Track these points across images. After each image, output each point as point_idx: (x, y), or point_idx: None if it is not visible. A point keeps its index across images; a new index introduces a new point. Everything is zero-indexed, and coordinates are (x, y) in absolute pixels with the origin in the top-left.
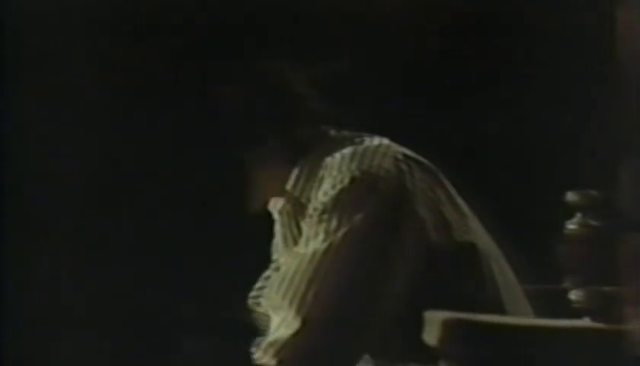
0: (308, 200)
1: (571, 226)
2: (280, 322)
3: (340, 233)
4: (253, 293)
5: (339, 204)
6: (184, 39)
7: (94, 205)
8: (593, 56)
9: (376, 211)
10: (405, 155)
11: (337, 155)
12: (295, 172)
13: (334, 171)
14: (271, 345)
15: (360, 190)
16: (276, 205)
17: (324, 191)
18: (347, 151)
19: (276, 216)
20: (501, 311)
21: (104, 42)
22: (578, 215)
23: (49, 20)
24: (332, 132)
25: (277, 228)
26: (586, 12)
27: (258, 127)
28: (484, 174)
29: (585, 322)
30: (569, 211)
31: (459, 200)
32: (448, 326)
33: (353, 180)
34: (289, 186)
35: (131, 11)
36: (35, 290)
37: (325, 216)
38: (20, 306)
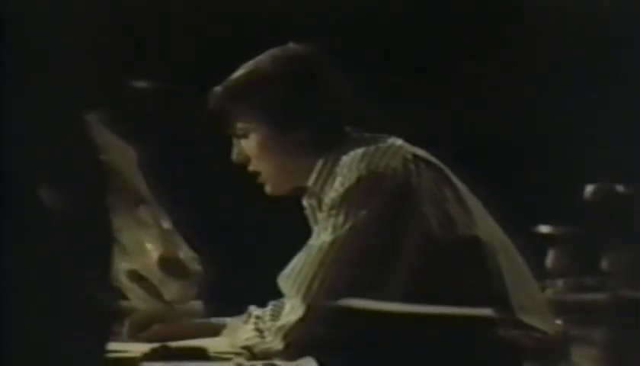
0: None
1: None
2: (290, 308)
3: (345, 228)
4: None
5: (346, 201)
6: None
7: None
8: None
9: (380, 208)
10: (415, 156)
11: (351, 154)
12: (316, 169)
13: (345, 170)
14: (280, 329)
15: (366, 188)
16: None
17: (334, 189)
18: (359, 151)
19: (306, 211)
20: (506, 304)
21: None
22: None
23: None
24: (354, 133)
25: None
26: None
27: (296, 114)
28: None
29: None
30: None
31: (468, 198)
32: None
33: (359, 178)
34: (310, 182)
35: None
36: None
37: (334, 212)
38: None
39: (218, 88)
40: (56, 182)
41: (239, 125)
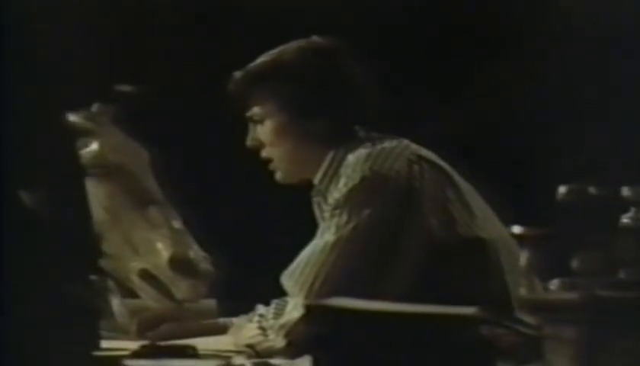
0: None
1: (626, 220)
2: (293, 306)
3: (348, 227)
4: None
5: (349, 201)
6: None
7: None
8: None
9: (382, 209)
10: (420, 157)
11: (356, 154)
12: (323, 167)
13: (349, 170)
14: (282, 327)
15: (369, 188)
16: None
17: (338, 189)
18: (364, 151)
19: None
20: (507, 303)
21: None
22: (632, 209)
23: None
24: (361, 133)
25: None
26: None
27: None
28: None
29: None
30: (623, 206)
31: (471, 198)
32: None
33: (363, 179)
34: (316, 180)
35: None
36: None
37: (337, 212)
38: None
39: (238, 72)
40: (41, 183)
41: (256, 110)
